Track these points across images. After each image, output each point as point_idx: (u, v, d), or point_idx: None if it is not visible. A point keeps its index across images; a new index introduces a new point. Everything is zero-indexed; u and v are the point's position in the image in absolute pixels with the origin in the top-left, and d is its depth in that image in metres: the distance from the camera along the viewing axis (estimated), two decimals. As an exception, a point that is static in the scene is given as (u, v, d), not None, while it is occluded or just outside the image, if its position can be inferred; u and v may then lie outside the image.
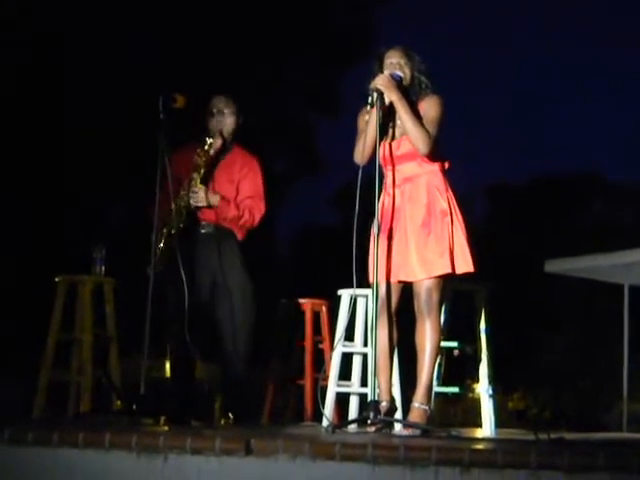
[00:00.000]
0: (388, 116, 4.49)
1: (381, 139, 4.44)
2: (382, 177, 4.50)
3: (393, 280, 4.47)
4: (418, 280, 4.42)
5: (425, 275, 4.41)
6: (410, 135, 4.42)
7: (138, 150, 9.82)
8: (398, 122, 4.52)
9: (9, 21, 12.05)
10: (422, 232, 4.44)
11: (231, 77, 13.01)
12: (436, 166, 4.52)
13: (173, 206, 5.07)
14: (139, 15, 12.98)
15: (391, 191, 4.51)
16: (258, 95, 13.94)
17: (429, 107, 4.50)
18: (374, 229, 4.35)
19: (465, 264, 4.46)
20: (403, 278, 4.46)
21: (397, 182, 4.51)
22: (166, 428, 4.33)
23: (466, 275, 4.52)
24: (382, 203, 4.53)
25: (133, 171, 12.21)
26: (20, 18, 12.16)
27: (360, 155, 4.47)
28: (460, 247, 4.46)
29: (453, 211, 4.48)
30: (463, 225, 4.49)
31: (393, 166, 4.51)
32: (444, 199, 4.48)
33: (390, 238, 4.46)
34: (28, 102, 12.26)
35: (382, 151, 4.46)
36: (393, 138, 4.54)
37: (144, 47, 13.06)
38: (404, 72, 4.52)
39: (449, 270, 4.41)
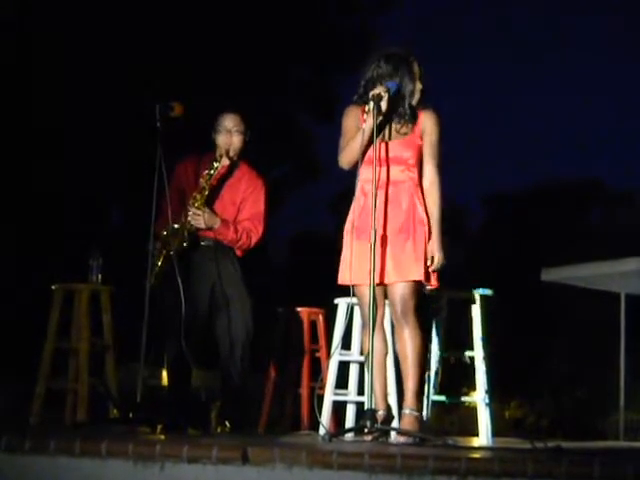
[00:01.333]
0: (382, 117, 4.50)
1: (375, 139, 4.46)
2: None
3: (384, 282, 4.47)
4: (392, 287, 4.43)
5: (398, 278, 4.41)
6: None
7: (137, 158, 9.83)
8: (393, 125, 4.54)
9: (9, 21, 12.07)
10: (400, 237, 4.44)
11: (230, 82, 13.04)
12: (417, 176, 4.53)
13: (174, 227, 5.10)
14: (141, 18, 13.00)
15: (372, 191, 4.48)
16: (257, 101, 13.96)
17: (431, 128, 4.54)
18: (371, 233, 4.33)
19: (433, 276, 4.47)
20: (380, 280, 4.45)
21: (379, 184, 4.48)
22: (162, 436, 4.33)
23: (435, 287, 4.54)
24: (358, 202, 4.52)
25: (132, 178, 12.23)
26: (19, 18, 12.18)
27: (347, 160, 4.51)
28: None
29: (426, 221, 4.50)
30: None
31: (380, 167, 4.51)
32: (423, 209, 4.49)
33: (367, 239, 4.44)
34: (27, 107, 12.27)
35: (374, 150, 4.46)
36: (384, 139, 4.54)
37: (143, 51, 13.07)
38: (415, 84, 4.53)
39: (422, 277, 4.42)
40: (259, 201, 5.39)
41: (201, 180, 5.22)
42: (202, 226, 5.21)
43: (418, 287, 4.47)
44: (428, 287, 4.53)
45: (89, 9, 12.49)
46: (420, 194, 4.53)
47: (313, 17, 15.15)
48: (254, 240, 5.34)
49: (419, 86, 4.55)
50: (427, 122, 4.54)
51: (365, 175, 4.48)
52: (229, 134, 5.32)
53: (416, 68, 4.56)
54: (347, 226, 4.55)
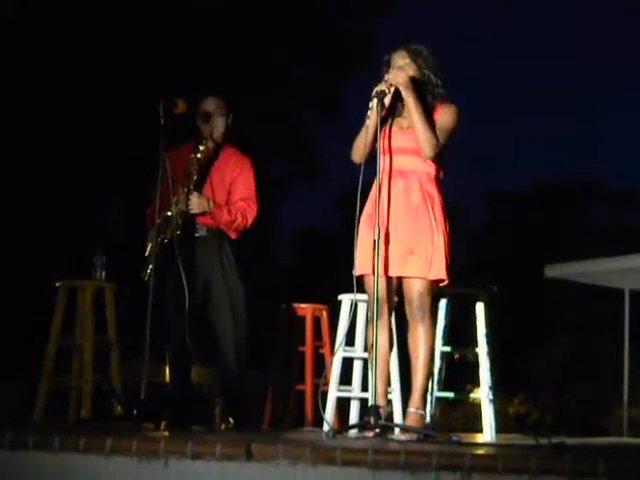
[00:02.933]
0: (390, 107, 4.51)
1: (382, 129, 4.46)
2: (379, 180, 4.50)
3: (388, 274, 4.46)
4: (409, 283, 4.43)
5: (398, 273, 4.42)
6: (419, 137, 4.43)
7: (138, 153, 9.83)
8: (399, 115, 4.55)
9: (9, 21, 12.06)
10: (407, 230, 4.44)
11: (232, 80, 13.03)
12: (432, 169, 4.53)
13: (166, 214, 5.09)
14: (142, 16, 13.00)
15: (384, 181, 4.49)
16: (259, 99, 13.96)
17: (444, 114, 4.53)
18: (375, 230, 4.34)
19: (439, 271, 4.45)
20: (391, 273, 4.46)
21: (391, 174, 4.51)
22: (166, 433, 4.33)
23: (440, 282, 4.51)
24: (372, 193, 4.54)
25: (133, 174, 12.22)
26: (20, 18, 12.17)
27: (355, 155, 4.54)
28: (438, 254, 4.45)
29: (438, 217, 4.48)
30: (446, 234, 4.49)
31: (390, 157, 4.52)
32: (431, 204, 4.49)
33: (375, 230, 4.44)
34: (28, 104, 12.26)
35: (383, 140, 4.47)
36: (397, 128, 4.55)
37: (145, 50, 13.06)
38: (409, 73, 4.53)
39: (423, 274, 4.42)
40: (249, 181, 5.40)
41: (188, 166, 5.21)
42: (196, 210, 5.20)
43: (434, 284, 4.47)
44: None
45: (89, 9, 12.49)
46: (433, 185, 4.52)
47: (314, 16, 15.15)
48: (250, 219, 5.34)
49: (411, 72, 4.54)
50: (443, 114, 4.53)
51: (379, 166, 4.49)
52: (212, 118, 5.32)
53: (399, 59, 4.55)
54: (363, 215, 4.55)
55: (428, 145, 4.43)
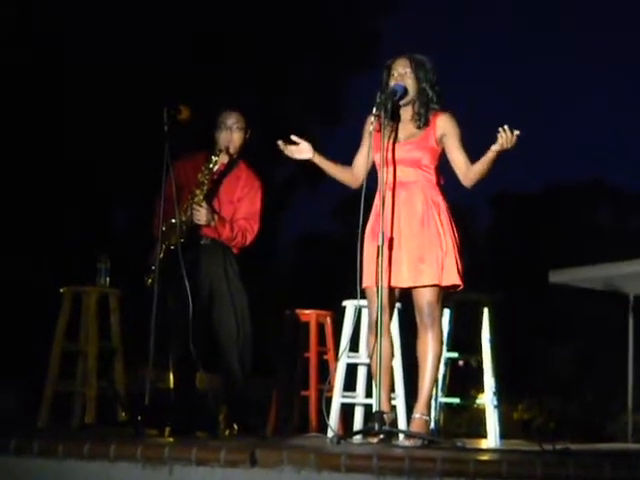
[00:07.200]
0: (393, 119, 4.52)
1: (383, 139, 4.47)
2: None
3: (391, 284, 4.48)
4: (418, 293, 4.45)
5: (412, 283, 4.43)
6: (479, 176, 4.48)
7: (143, 159, 9.84)
8: (401, 125, 4.55)
9: (9, 21, 12.08)
10: (415, 239, 4.45)
11: (233, 84, 13.05)
12: (432, 176, 4.54)
13: (175, 221, 5.08)
14: (144, 17, 13.02)
15: (387, 193, 4.51)
16: (259, 103, 13.98)
17: (451, 128, 4.53)
18: (378, 238, 4.34)
19: (452, 276, 4.47)
20: (393, 284, 4.47)
21: (392, 185, 4.53)
22: (171, 439, 4.33)
23: (454, 288, 4.52)
24: (375, 206, 4.56)
25: (138, 180, 12.24)
26: (20, 18, 12.19)
27: (358, 181, 4.62)
28: (449, 259, 4.46)
29: (445, 223, 4.49)
30: (454, 238, 4.50)
31: (394, 168, 4.53)
32: (437, 210, 4.49)
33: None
34: (28, 106, 12.28)
35: (383, 152, 4.48)
36: (396, 141, 4.56)
37: (146, 52, 13.08)
38: (408, 83, 4.54)
39: (437, 281, 4.43)
40: (256, 200, 5.40)
41: (199, 175, 5.21)
42: (202, 221, 5.20)
43: (442, 292, 4.48)
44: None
45: (90, 7, 12.51)
46: (437, 193, 4.53)
47: (316, 18, 15.15)
48: (249, 239, 5.35)
49: (411, 82, 4.55)
50: (445, 125, 4.54)
51: (380, 178, 4.50)
52: (229, 131, 5.31)
53: (400, 67, 4.56)
54: (367, 229, 4.57)
55: (476, 183, 4.51)
